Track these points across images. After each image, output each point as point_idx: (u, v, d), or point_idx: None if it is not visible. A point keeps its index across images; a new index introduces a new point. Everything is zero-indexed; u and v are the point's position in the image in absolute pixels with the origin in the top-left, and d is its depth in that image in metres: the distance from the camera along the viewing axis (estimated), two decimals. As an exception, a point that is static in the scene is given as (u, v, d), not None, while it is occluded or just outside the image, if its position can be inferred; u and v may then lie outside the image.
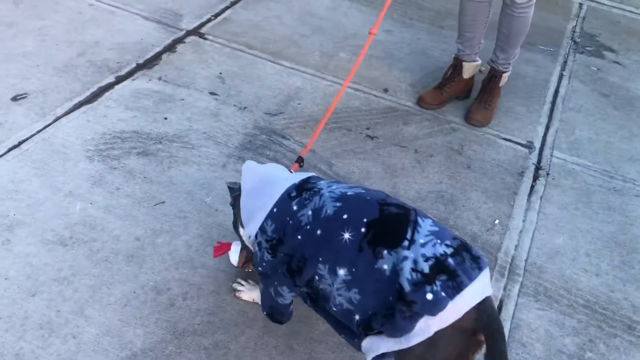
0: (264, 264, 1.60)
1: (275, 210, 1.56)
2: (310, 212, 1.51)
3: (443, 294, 1.31)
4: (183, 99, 2.82)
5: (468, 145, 2.81)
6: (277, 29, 3.44)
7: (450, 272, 1.34)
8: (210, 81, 2.96)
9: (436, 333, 1.34)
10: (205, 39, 3.26)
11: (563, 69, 3.48)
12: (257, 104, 2.86)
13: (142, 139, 2.56)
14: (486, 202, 2.52)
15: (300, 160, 2.01)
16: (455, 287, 1.32)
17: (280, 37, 3.37)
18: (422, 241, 1.39)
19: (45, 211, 2.19)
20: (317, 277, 1.49)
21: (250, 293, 1.98)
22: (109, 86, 2.83)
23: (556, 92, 3.28)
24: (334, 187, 1.57)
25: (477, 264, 1.39)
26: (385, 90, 3.08)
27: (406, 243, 1.38)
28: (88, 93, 2.76)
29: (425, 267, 1.34)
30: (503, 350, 1.38)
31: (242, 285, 2.00)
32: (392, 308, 1.36)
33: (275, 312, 1.74)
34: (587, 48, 3.73)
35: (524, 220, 2.46)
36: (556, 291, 2.19)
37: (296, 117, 2.82)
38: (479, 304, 1.36)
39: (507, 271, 2.24)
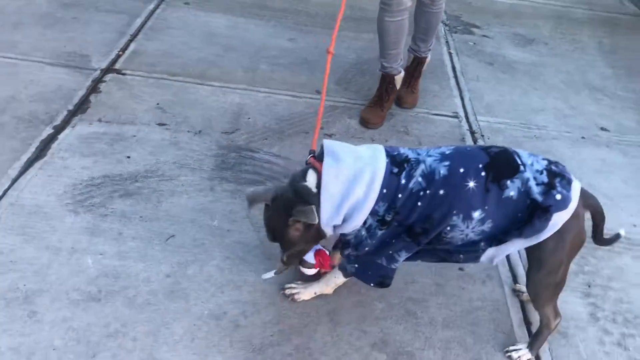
0: (373, 241, 1.76)
1: (385, 190, 1.69)
2: (421, 179, 1.69)
3: (565, 191, 1.66)
4: (135, 135, 2.73)
5: (410, 125, 3.08)
6: (189, 53, 3.43)
7: (559, 175, 1.70)
8: (152, 113, 2.90)
9: (562, 225, 1.67)
10: (124, 74, 3.16)
11: (449, 49, 3.92)
12: (210, 125, 2.87)
13: (116, 181, 2.45)
14: (449, 169, 2.80)
15: (312, 153, 2.08)
16: (568, 183, 1.69)
17: (196, 61, 3.37)
18: (529, 162, 1.72)
19: (57, 273, 2.03)
20: (448, 229, 1.70)
21: (308, 290, 2.03)
22: (51, 137, 2.64)
23: (453, 68, 3.70)
24: (429, 152, 1.76)
25: (563, 166, 1.76)
26: (318, 92, 3.24)
27: (522, 168, 1.69)
28: (33, 148, 2.56)
29: (544, 178, 1.68)
30: (603, 226, 1.82)
31: (296, 287, 2.04)
32: (523, 221, 1.66)
33: (386, 278, 1.89)
34: (458, 28, 4.23)
35: (484, 177, 2.78)
36: (539, 226, 2.53)
37: (253, 130, 2.87)
38: (581, 192, 1.72)
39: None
